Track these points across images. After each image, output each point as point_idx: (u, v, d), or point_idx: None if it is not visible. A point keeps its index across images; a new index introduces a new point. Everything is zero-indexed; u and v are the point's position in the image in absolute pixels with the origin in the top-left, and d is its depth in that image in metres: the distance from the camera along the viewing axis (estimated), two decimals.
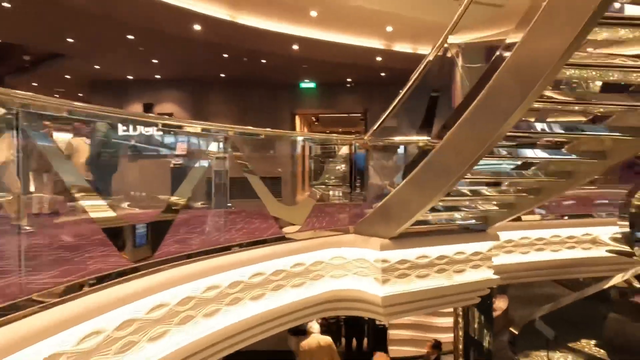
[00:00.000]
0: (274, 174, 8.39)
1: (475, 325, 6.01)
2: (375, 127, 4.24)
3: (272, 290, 3.58)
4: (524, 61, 2.37)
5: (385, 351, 8.30)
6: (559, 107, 3.15)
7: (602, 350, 6.08)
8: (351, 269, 4.11)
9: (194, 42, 8.88)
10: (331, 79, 11.58)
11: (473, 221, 4.47)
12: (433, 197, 3.42)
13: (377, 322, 8.77)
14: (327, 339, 6.76)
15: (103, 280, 2.35)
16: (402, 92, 4.17)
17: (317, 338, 6.64)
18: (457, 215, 4.41)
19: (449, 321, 8.95)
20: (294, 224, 4.15)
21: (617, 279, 5.61)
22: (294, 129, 12.69)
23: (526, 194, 3.95)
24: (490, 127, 2.70)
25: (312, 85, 12.08)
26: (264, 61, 10.28)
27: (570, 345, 6.19)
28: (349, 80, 11.76)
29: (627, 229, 4.83)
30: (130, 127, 11.63)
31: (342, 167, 6.26)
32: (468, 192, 3.84)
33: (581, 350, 6.17)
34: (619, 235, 5.60)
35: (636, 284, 5.57)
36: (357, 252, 4.09)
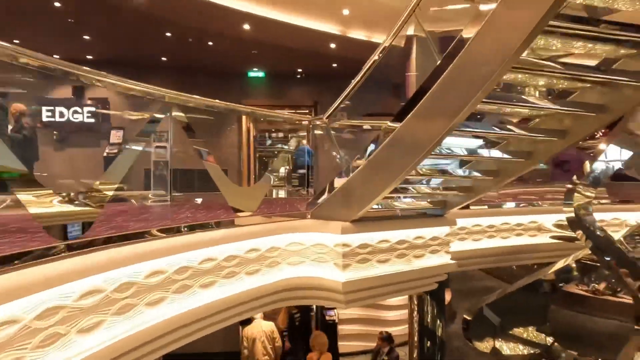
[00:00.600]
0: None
1: (429, 316, 6.00)
2: (335, 106, 4.04)
3: (225, 277, 3.25)
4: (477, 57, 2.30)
5: (335, 347, 8.15)
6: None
7: (545, 337, 6.32)
8: (309, 255, 3.87)
9: (132, 15, 8.11)
10: (281, 68, 11.21)
11: (432, 206, 4.41)
12: (395, 177, 3.27)
13: (327, 318, 8.60)
14: (270, 325, 6.60)
15: (16, 259, 1.92)
16: (361, 73, 4.02)
17: (259, 323, 6.43)
18: (416, 199, 4.33)
19: (399, 314, 9.00)
20: (246, 210, 3.85)
21: (559, 264, 5.83)
22: (240, 123, 12.21)
23: (485, 175, 3.93)
24: (455, 105, 2.61)
25: (260, 74, 11.65)
26: (210, 43, 9.66)
27: (515, 332, 6.40)
28: (299, 70, 11.47)
29: (572, 215, 5.01)
30: (57, 112, 10.60)
31: (293, 156, 6.05)
32: (429, 172, 3.75)
33: (525, 337, 6.39)
34: (563, 222, 5.85)
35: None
36: (316, 237, 3.86)
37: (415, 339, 5.80)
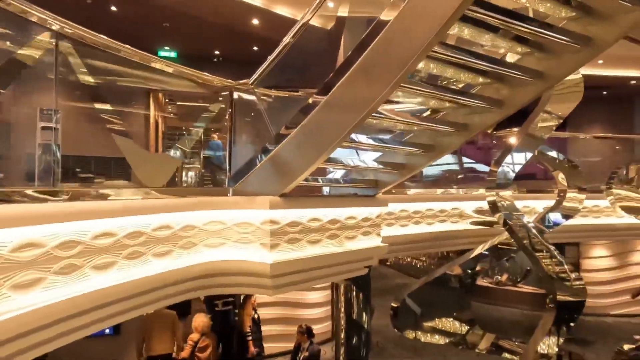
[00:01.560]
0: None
1: (354, 309, 5.80)
2: (262, 69, 3.63)
3: (127, 258, 2.66)
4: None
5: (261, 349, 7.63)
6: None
7: (467, 328, 6.47)
8: (232, 236, 3.39)
9: None
10: (196, 48, 10.31)
11: (364, 185, 4.18)
12: (329, 145, 2.97)
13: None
14: (170, 311, 6.07)
15: None
16: (292, 32, 3.66)
17: (160, 311, 5.86)
18: (349, 177, 4.07)
19: (318, 312, 8.75)
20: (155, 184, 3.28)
21: (479, 250, 6.00)
22: (148, 110, 11.11)
23: (419, 150, 3.78)
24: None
25: (172, 54, 10.65)
26: (114, 9, 8.42)
27: (436, 323, 6.49)
28: (216, 52, 10.66)
29: (494, 198, 5.14)
30: None
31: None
32: (363, 142, 3.50)
33: (446, 329, 6.51)
34: (482, 208, 6.04)
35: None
36: (239, 214, 3.39)
37: (342, 332, 5.55)
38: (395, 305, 5.29)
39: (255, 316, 7.36)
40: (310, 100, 3.01)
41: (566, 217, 6.25)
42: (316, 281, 3.80)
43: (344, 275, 4.13)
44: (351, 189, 4.15)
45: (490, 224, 5.85)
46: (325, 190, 4.00)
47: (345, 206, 3.86)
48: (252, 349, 7.05)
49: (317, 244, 3.63)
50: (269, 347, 8.19)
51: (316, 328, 8.41)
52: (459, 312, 6.86)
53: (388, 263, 18.95)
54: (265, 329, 8.39)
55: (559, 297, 5.15)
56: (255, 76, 3.70)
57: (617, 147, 9.42)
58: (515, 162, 5.48)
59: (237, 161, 3.75)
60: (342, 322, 5.84)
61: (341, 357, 5.67)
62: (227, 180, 3.71)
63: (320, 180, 3.85)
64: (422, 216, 5.66)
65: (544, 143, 5.66)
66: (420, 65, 2.92)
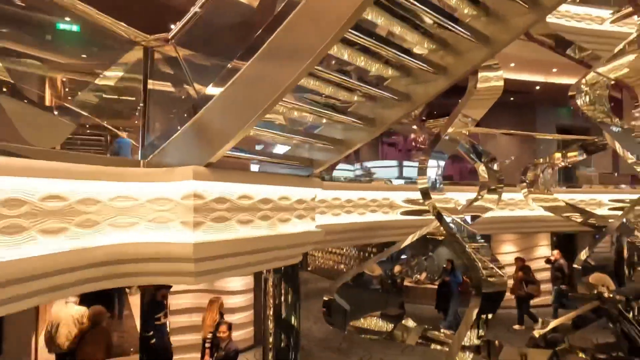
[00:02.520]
0: None
1: (283, 304, 5.42)
2: (184, 22, 3.16)
3: (4, 233, 2.04)
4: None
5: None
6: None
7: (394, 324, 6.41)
8: (145, 214, 2.86)
9: None
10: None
11: (298, 163, 3.87)
12: (265, 103, 2.62)
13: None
14: (81, 310, 5.66)
15: None
16: None
17: (67, 306, 5.51)
18: (282, 151, 3.73)
19: (241, 300, 8.21)
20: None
21: (408, 241, 5.97)
22: (43, 97, 9.72)
23: (359, 122, 3.57)
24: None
25: (74, 28, 9.29)
26: None
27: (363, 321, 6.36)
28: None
29: (427, 185, 5.13)
30: None
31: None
32: (301, 106, 3.19)
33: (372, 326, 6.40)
34: (412, 198, 6.04)
35: None
36: (156, 189, 2.88)
37: (270, 329, 5.13)
38: (327, 299, 5.01)
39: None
40: (241, 56, 2.64)
41: (486, 209, 6.49)
42: (246, 268, 3.38)
43: (277, 262, 3.76)
44: (285, 168, 3.81)
45: (420, 212, 5.86)
46: (257, 167, 3.61)
47: (278, 184, 3.50)
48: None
49: (247, 225, 3.22)
50: (182, 340, 7.42)
51: (239, 317, 7.87)
52: (386, 309, 6.82)
53: (309, 268, 18.83)
54: (178, 320, 7.63)
55: (484, 288, 5.24)
56: (175, 31, 3.22)
57: (523, 148, 10.16)
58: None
59: (153, 129, 3.22)
60: (269, 319, 5.41)
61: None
62: (140, 151, 3.16)
63: (251, 155, 3.46)
64: (354, 205, 5.49)
65: (458, 144, 5.82)
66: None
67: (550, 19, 8.15)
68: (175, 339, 7.32)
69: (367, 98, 3.46)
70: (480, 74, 5.07)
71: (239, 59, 2.67)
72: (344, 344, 9.36)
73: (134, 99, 3.34)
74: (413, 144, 13.39)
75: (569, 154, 7.18)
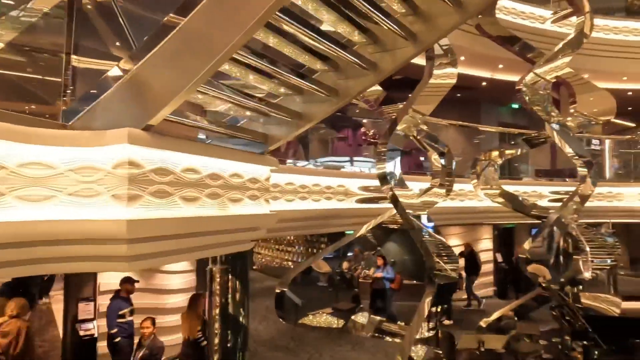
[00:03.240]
0: None
1: (231, 302, 4.99)
2: None
3: None
4: None
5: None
6: None
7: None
8: (66, 185, 2.35)
9: None
10: None
11: (251, 137, 3.49)
12: (218, 53, 2.24)
13: (82, 332, 6.41)
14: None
15: None
16: None
17: None
18: (234, 121, 3.34)
19: (179, 300, 7.62)
20: None
21: (363, 230, 5.76)
22: None
23: (322, 92, 3.26)
24: None
25: None
26: None
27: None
28: None
29: (384, 170, 4.94)
30: None
31: None
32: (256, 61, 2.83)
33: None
34: (368, 185, 5.84)
35: None
36: (80, 154, 2.38)
37: (216, 324, 4.68)
38: (279, 292, 4.66)
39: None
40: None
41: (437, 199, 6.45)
42: (190, 253, 2.96)
43: (226, 248, 3.36)
44: (237, 145, 3.42)
45: (376, 200, 5.67)
46: (205, 138, 3.20)
47: (229, 158, 3.11)
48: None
49: (193, 203, 2.80)
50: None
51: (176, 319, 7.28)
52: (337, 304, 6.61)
53: (255, 267, 18.27)
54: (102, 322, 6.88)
55: (438, 278, 5.15)
56: None
57: (469, 143, 10.35)
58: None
59: (80, 88, 2.71)
60: (215, 319, 4.94)
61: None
62: (62, 112, 2.63)
63: (199, 124, 3.03)
64: (308, 191, 5.18)
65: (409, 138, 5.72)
66: None
67: (498, 15, 8.35)
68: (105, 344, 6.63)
69: (332, 66, 3.17)
70: (436, 71, 5.00)
71: (185, 8, 2.28)
72: (292, 343, 9.03)
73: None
74: (363, 138, 13.31)
75: (508, 151, 7.44)
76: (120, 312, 5.92)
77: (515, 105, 13.75)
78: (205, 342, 5.59)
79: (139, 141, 2.39)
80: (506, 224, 13.78)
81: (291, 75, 3.03)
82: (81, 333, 6.33)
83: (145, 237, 2.46)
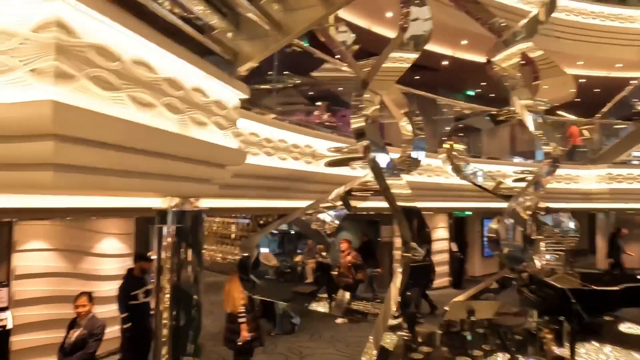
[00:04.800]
0: None
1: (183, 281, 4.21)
2: None
3: None
4: None
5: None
6: None
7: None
8: None
9: None
10: None
11: (218, 50, 2.88)
12: None
13: None
14: None
15: None
16: None
17: None
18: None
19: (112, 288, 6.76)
20: None
21: (334, 194, 5.26)
22: None
23: None
24: None
25: None
26: None
27: None
28: None
29: (361, 124, 4.46)
30: None
31: None
32: None
33: None
34: (339, 147, 5.36)
35: None
36: None
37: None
38: (243, 257, 4.03)
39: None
40: None
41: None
42: (141, 180, 2.30)
43: (186, 185, 2.72)
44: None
45: (346, 161, 5.18)
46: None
47: (192, 62, 2.49)
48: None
49: (147, 110, 2.16)
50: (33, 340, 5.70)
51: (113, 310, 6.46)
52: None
53: None
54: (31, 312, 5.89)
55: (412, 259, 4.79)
56: None
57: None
58: None
59: None
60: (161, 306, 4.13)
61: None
62: None
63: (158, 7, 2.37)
64: (274, 147, 4.60)
65: None
66: None
67: None
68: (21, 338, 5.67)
69: None
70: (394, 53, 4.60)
71: None
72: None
73: None
74: (317, 121, 12.92)
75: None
76: (132, 294, 5.54)
77: (471, 92, 13.93)
78: (245, 319, 5.44)
79: None
80: (462, 211, 13.92)
81: None
82: None
83: (79, 137, 1.80)
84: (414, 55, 4.81)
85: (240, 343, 5.49)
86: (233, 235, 15.28)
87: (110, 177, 2.08)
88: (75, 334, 3.91)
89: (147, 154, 2.21)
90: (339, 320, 8.13)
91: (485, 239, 15.56)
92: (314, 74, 6.22)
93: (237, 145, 3.04)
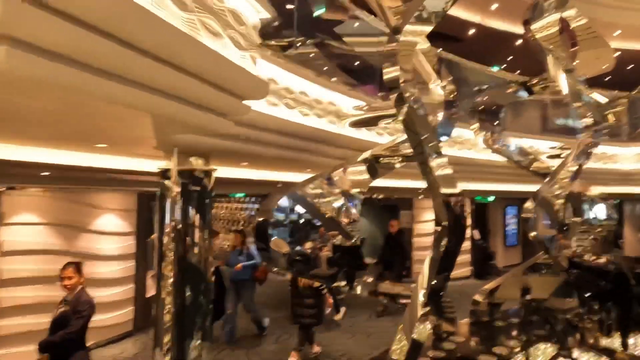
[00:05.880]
0: None
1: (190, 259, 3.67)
2: None
3: None
4: None
5: None
6: None
7: None
8: None
9: None
10: None
11: None
12: None
13: None
14: None
15: None
16: None
17: None
18: None
19: (111, 269, 6.25)
20: None
21: (357, 158, 4.69)
22: None
23: None
24: None
25: None
26: None
27: None
28: None
29: (396, 73, 3.87)
30: None
31: None
32: None
33: None
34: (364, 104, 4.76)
35: None
36: None
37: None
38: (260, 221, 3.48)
39: None
40: None
41: None
42: (118, 89, 1.74)
43: (189, 114, 2.14)
44: None
45: (375, 120, 4.58)
46: None
47: None
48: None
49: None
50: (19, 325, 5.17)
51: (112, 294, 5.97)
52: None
53: None
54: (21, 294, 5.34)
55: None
56: None
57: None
58: None
59: None
60: (166, 286, 3.57)
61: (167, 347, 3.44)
62: None
63: None
64: (295, 99, 4.02)
65: None
66: None
67: None
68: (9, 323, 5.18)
69: None
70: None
71: None
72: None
73: None
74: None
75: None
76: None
77: (495, 68, 13.20)
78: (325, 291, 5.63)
79: None
80: (485, 197, 13.29)
81: None
82: None
83: (36, 37, 1.24)
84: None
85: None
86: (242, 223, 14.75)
87: (82, 72, 1.51)
88: (59, 310, 3.37)
89: (135, 50, 1.64)
90: (338, 317, 7.49)
91: (508, 227, 14.84)
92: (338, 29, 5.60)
93: (256, 71, 2.46)
